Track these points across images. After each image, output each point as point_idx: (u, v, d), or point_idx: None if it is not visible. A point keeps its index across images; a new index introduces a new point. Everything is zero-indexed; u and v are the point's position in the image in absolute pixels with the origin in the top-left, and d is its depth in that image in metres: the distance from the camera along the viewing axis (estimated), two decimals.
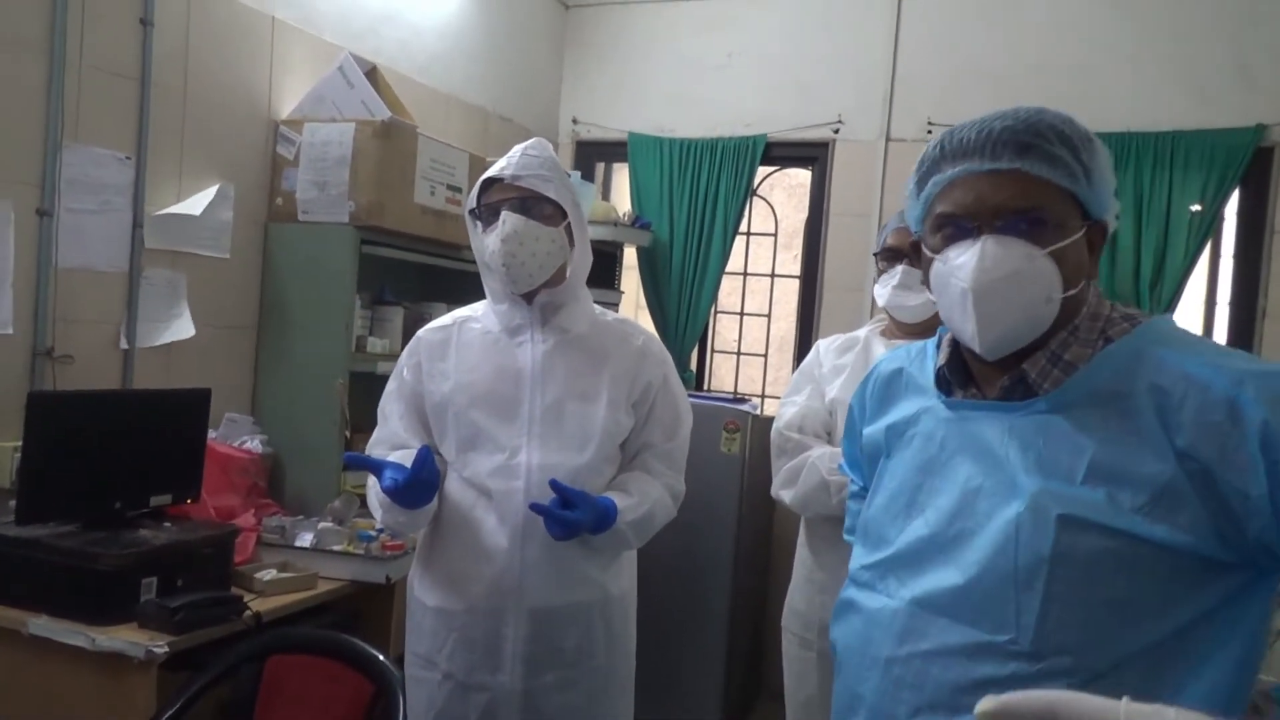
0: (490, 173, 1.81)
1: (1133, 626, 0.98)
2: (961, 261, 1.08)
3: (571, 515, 1.63)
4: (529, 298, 1.81)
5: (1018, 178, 1.06)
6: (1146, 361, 1.04)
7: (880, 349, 2.14)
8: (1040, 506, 1.01)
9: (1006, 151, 1.07)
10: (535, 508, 1.64)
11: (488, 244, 1.77)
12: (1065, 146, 1.07)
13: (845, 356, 2.19)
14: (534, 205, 1.76)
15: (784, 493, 2.09)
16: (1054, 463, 1.03)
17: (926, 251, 1.16)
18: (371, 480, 1.77)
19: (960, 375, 1.17)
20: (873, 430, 1.28)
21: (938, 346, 1.23)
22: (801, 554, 2.21)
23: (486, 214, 1.79)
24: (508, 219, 1.74)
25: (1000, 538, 1.02)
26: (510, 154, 1.82)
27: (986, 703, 0.70)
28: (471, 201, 1.84)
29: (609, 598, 1.82)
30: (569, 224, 1.80)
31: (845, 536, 1.38)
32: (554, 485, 1.65)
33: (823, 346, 2.27)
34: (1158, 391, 1.01)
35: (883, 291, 2.13)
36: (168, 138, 2.67)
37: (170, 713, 1.86)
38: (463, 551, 1.76)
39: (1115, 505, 0.98)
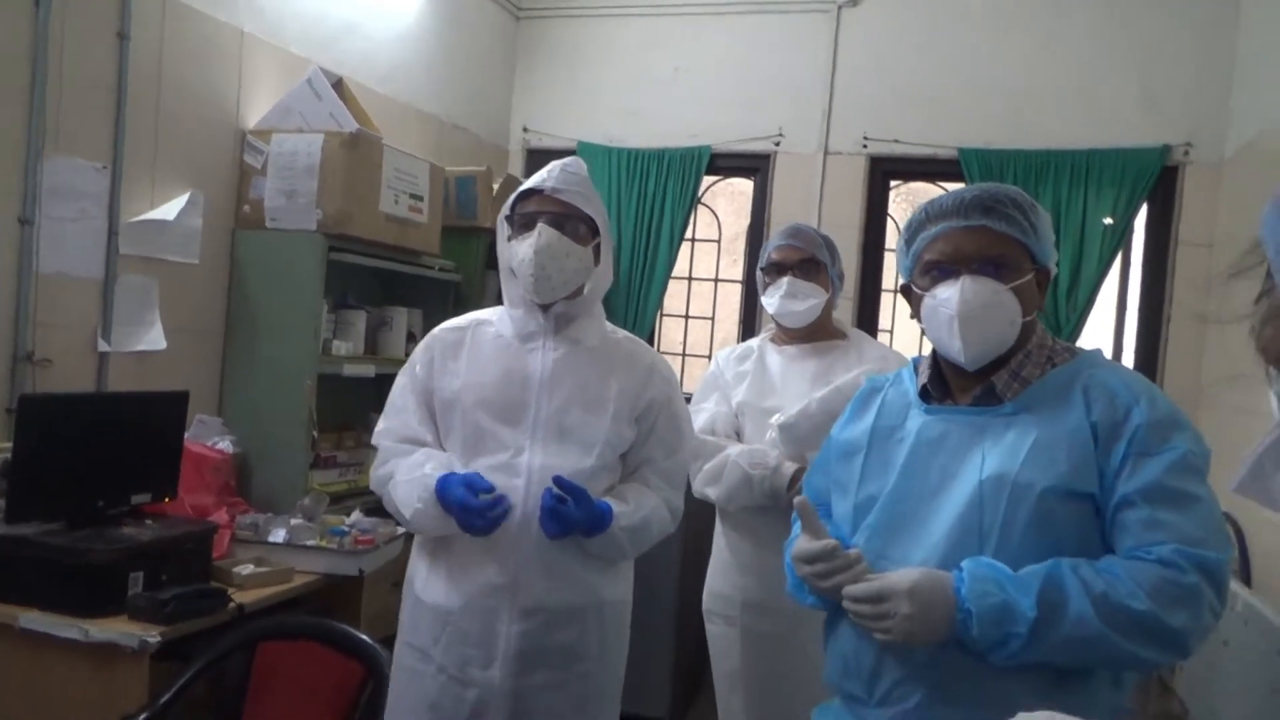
0: (530, 183, 1.86)
1: (1051, 553, 1.32)
2: (947, 296, 1.42)
3: (566, 510, 1.69)
4: (545, 307, 1.86)
5: (985, 232, 1.42)
6: (1081, 375, 1.42)
7: (772, 355, 2.38)
8: (1002, 476, 1.35)
9: (975, 212, 1.43)
10: (547, 498, 1.72)
11: (518, 252, 1.82)
12: (1018, 210, 1.43)
13: (745, 364, 2.39)
14: (568, 222, 1.82)
15: (709, 490, 2.27)
16: (1009, 448, 1.38)
17: (917, 291, 1.50)
18: (405, 478, 1.81)
19: (940, 389, 1.51)
20: (852, 430, 1.57)
21: (915, 371, 1.56)
22: (719, 542, 2.40)
23: (521, 222, 1.85)
24: (543, 232, 1.79)
25: (974, 495, 1.37)
26: (550, 168, 1.87)
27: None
28: (506, 209, 1.90)
29: (603, 603, 1.86)
30: (598, 243, 1.88)
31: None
32: (557, 480, 1.72)
33: (722, 357, 2.48)
34: (1087, 389, 1.40)
35: (772, 301, 2.33)
36: (142, 147, 2.76)
37: (166, 698, 1.97)
38: (462, 548, 1.81)
39: (1050, 471, 1.34)
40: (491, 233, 3.06)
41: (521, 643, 1.78)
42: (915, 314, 1.52)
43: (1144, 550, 1.29)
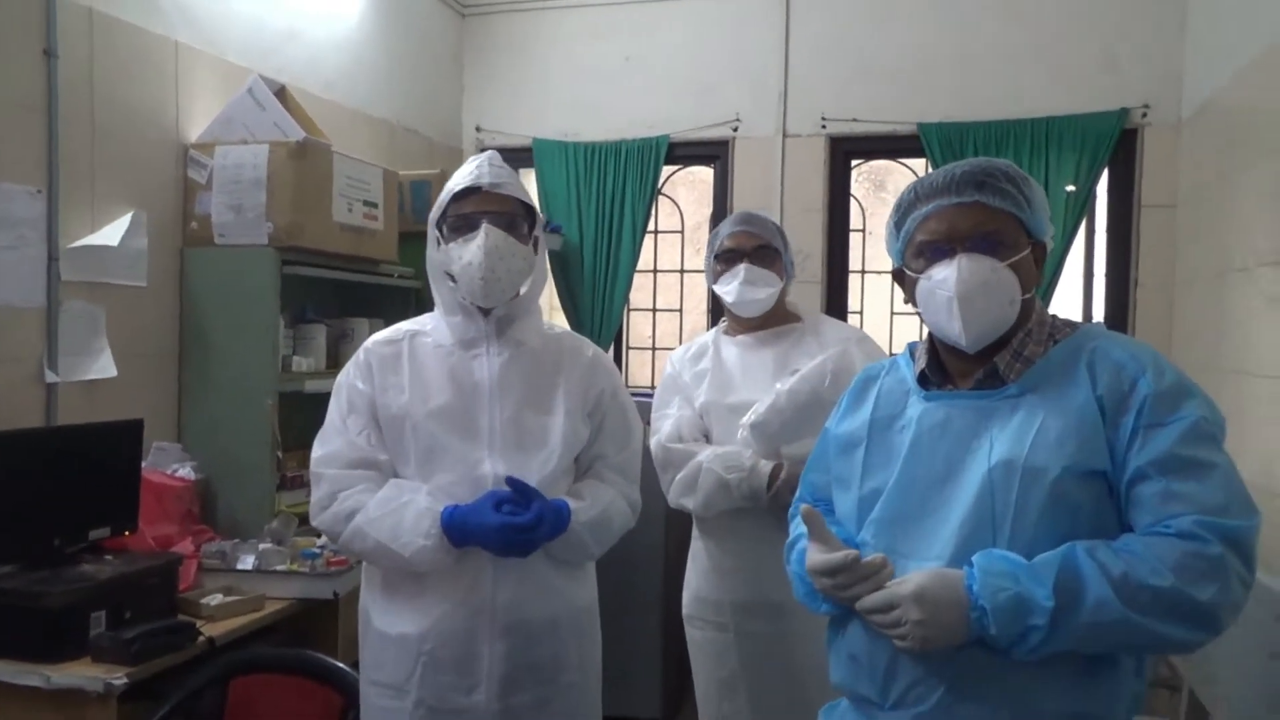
0: (466, 182, 1.77)
1: (1067, 537, 1.27)
2: (944, 276, 1.36)
3: (526, 521, 1.64)
4: (485, 310, 1.80)
5: (979, 208, 1.37)
6: (1085, 350, 1.36)
7: (728, 347, 2.30)
8: (1011, 461, 1.29)
9: (968, 188, 1.37)
10: (479, 515, 1.66)
11: (460, 255, 1.74)
12: (1011, 183, 1.37)
13: (701, 362, 2.32)
14: (511, 220, 1.76)
15: (685, 500, 2.19)
16: (1017, 432, 1.32)
17: (910, 274, 1.43)
18: (383, 512, 1.70)
19: (938, 374, 1.44)
20: (850, 423, 1.51)
21: (911, 357, 1.50)
22: (697, 547, 2.31)
23: (458, 224, 1.76)
24: (490, 232, 1.72)
25: (985, 482, 1.31)
26: (477, 164, 1.80)
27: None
28: (437, 212, 1.81)
29: (578, 609, 1.83)
30: (535, 238, 1.82)
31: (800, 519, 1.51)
32: (509, 480, 1.66)
33: (676, 358, 2.40)
34: (1091, 363, 1.34)
35: (728, 289, 2.25)
36: (78, 168, 2.64)
37: None
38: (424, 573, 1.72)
39: (1061, 452, 1.28)
40: None
41: (505, 664, 1.71)
42: (910, 298, 1.46)
43: (1163, 525, 1.23)
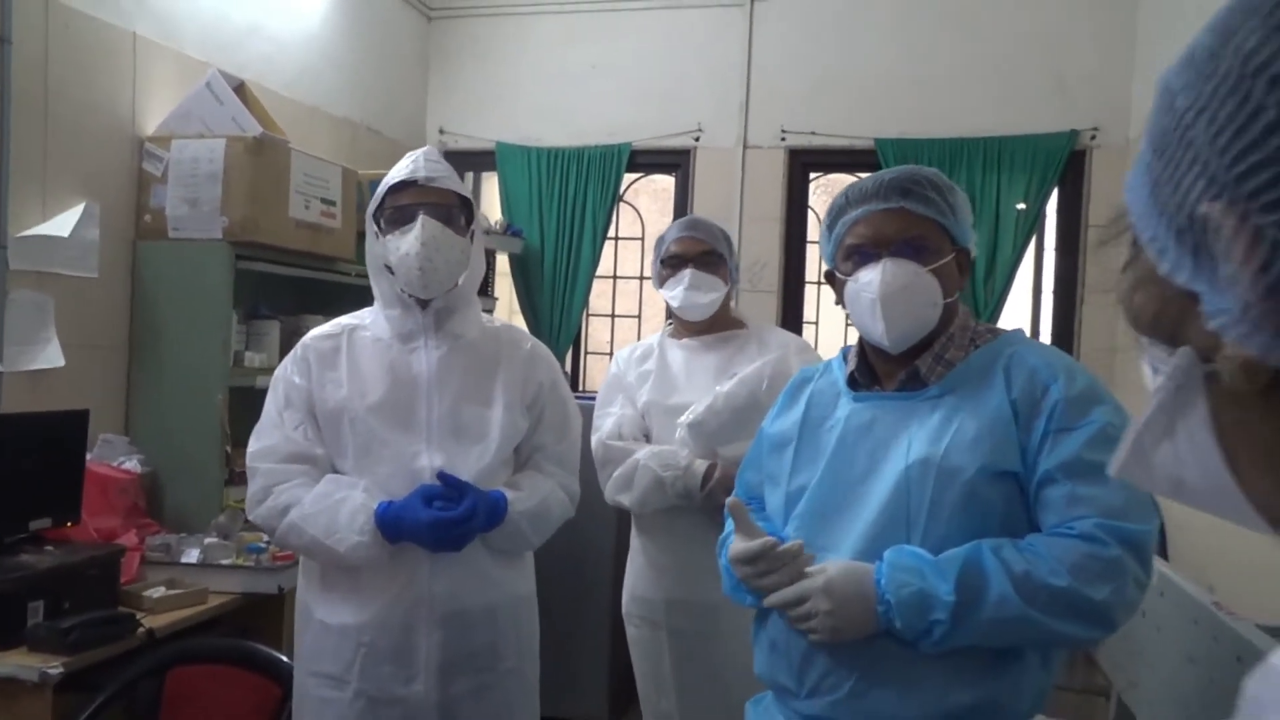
0: (402, 176, 1.79)
1: (978, 534, 1.32)
2: (869, 279, 1.41)
3: (457, 516, 1.67)
4: (424, 303, 1.82)
5: (904, 214, 1.41)
6: (1003, 355, 1.42)
7: (674, 350, 2.35)
8: (927, 460, 1.34)
9: (894, 194, 1.41)
10: (413, 508, 1.69)
11: (398, 246, 1.76)
12: (936, 191, 1.42)
13: (646, 363, 2.36)
14: (448, 212, 1.79)
15: (621, 497, 2.23)
16: (935, 431, 1.37)
17: (840, 276, 1.48)
18: (318, 508, 1.71)
19: (867, 377, 1.50)
20: (783, 423, 1.56)
21: (844, 360, 1.55)
22: (635, 545, 2.36)
23: (395, 217, 1.78)
24: (427, 224, 1.74)
25: (901, 479, 1.36)
26: (413, 159, 1.82)
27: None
28: (374, 205, 1.83)
29: (517, 598, 1.86)
30: (472, 230, 1.85)
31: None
32: (441, 475, 1.70)
33: (622, 358, 2.44)
34: (1008, 368, 1.40)
35: (674, 294, 2.29)
36: (29, 157, 2.63)
37: None
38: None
39: (975, 452, 1.33)
40: None
41: (443, 652, 1.73)
42: (839, 299, 1.51)
43: (1066, 526, 1.28)
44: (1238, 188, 0.41)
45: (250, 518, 1.82)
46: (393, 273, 1.80)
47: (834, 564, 1.33)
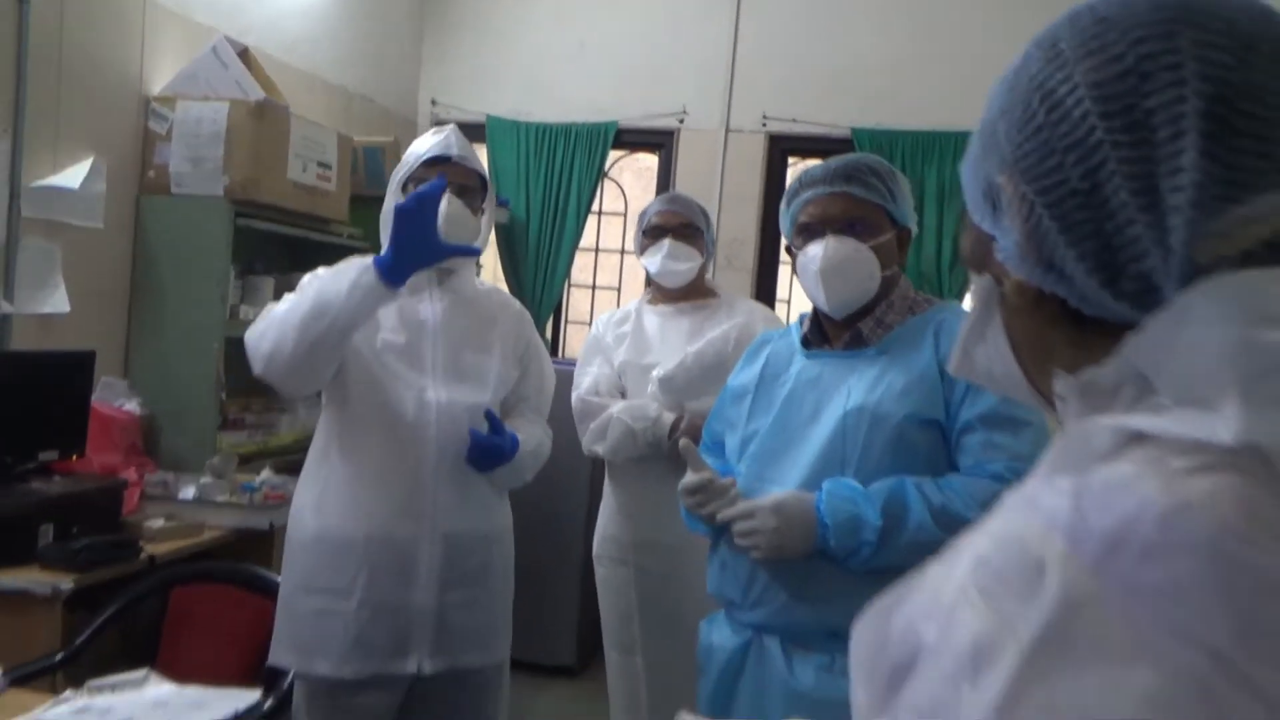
0: (437, 151, 1.96)
1: (904, 472, 1.51)
2: (814, 253, 1.61)
3: (498, 441, 1.89)
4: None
5: (846, 197, 1.61)
6: (935, 321, 1.61)
7: (650, 316, 2.55)
8: (863, 407, 1.54)
9: (839, 180, 1.61)
10: (475, 435, 1.88)
11: None
12: (876, 177, 1.61)
13: (624, 327, 2.57)
14: (467, 193, 1.97)
15: (596, 447, 2.45)
16: (874, 381, 1.56)
17: (794, 250, 1.68)
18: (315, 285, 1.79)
19: (818, 337, 1.69)
20: (743, 377, 1.75)
21: (800, 324, 1.74)
22: (608, 490, 2.58)
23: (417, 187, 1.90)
24: (452, 201, 1.90)
25: (839, 424, 1.55)
26: (444, 135, 1.99)
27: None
28: (406, 172, 1.98)
29: (502, 529, 2.05)
30: (484, 210, 2.03)
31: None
32: (489, 416, 1.90)
33: (602, 322, 2.66)
34: (938, 332, 1.59)
35: (653, 261, 2.49)
36: (43, 112, 2.77)
37: (81, 639, 2.05)
38: (372, 482, 1.90)
39: (904, 402, 1.53)
40: None
41: (443, 566, 1.91)
42: (794, 270, 1.70)
43: (980, 467, 1.49)
44: (1015, 166, 0.59)
45: (247, 338, 1.87)
46: None
47: (782, 491, 1.52)
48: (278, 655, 1.92)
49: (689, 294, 2.53)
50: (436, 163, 1.96)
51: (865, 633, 0.56)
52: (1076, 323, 0.59)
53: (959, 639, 0.48)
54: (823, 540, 1.47)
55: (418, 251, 1.77)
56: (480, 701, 2.02)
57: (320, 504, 1.93)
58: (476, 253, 1.97)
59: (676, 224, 2.48)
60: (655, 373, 2.36)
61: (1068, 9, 0.62)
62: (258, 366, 1.85)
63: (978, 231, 0.65)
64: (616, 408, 2.38)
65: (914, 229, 1.69)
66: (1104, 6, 0.59)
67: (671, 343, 2.45)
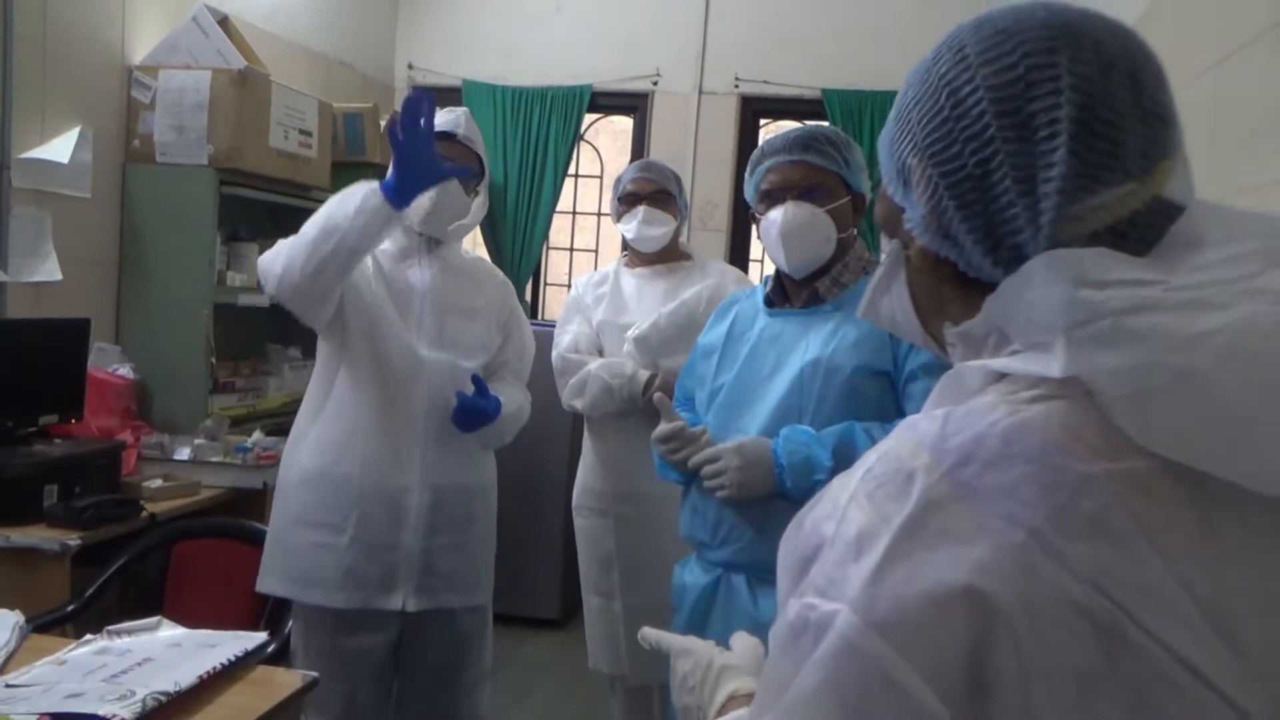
0: (444, 127, 2.04)
1: (862, 418, 1.64)
2: (774, 217, 1.73)
3: (483, 403, 2.02)
4: (414, 232, 2.11)
5: (804, 165, 1.73)
6: None
7: (627, 278, 2.66)
8: (819, 360, 1.66)
9: (797, 149, 1.73)
10: (461, 397, 2.00)
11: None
12: (832, 146, 1.73)
13: (602, 288, 2.68)
14: (468, 172, 2.07)
15: (575, 402, 2.56)
16: (829, 336, 1.67)
17: (757, 215, 1.78)
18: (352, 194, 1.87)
19: (780, 297, 1.80)
20: (711, 335, 1.87)
21: (765, 285, 1.85)
22: (588, 445, 2.71)
23: None
24: (450, 182, 2.00)
25: (797, 376, 1.67)
26: (455, 115, 2.10)
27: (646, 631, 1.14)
28: None
29: (489, 482, 2.20)
30: (477, 190, 2.15)
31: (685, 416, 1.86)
32: (475, 380, 2.03)
33: (581, 283, 2.77)
34: None
35: (629, 227, 2.60)
36: (30, 84, 2.83)
37: (90, 592, 2.16)
38: (368, 432, 2.02)
39: (855, 354, 1.64)
40: (382, 168, 3.22)
41: (430, 513, 2.05)
42: (758, 234, 1.82)
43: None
44: (924, 149, 0.71)
45: (260, 263, 2.00)
46: None
47: (744, 437, 1.66)
48: (268, 584, 2.05)
49: (663, 257, 2.64)
50: (442, 138, 2.04)
51: (786, 539, 0.69)
52: (964, 283, 0.71)
53: (847, 530, 0.61)
54: (780, 481, 1.60)
55: (418, 170, 1.85)
56: (466, 646, 2.16)
57: (319, 445, 2.04)
58: (466, 174, 2.03)
59: (650, 191, 2.58)
60: (630, 333, 2.48)
61: (974, 17, 0.73)
62: (270, 286, 1.96)
63: (890, 203, 0.77)
64: (594, 365, 2.50)
65: (868, 195, 1.81)
66: (1003, 19, 0.70)
67: (647, 303, 2.57)
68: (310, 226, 1.91)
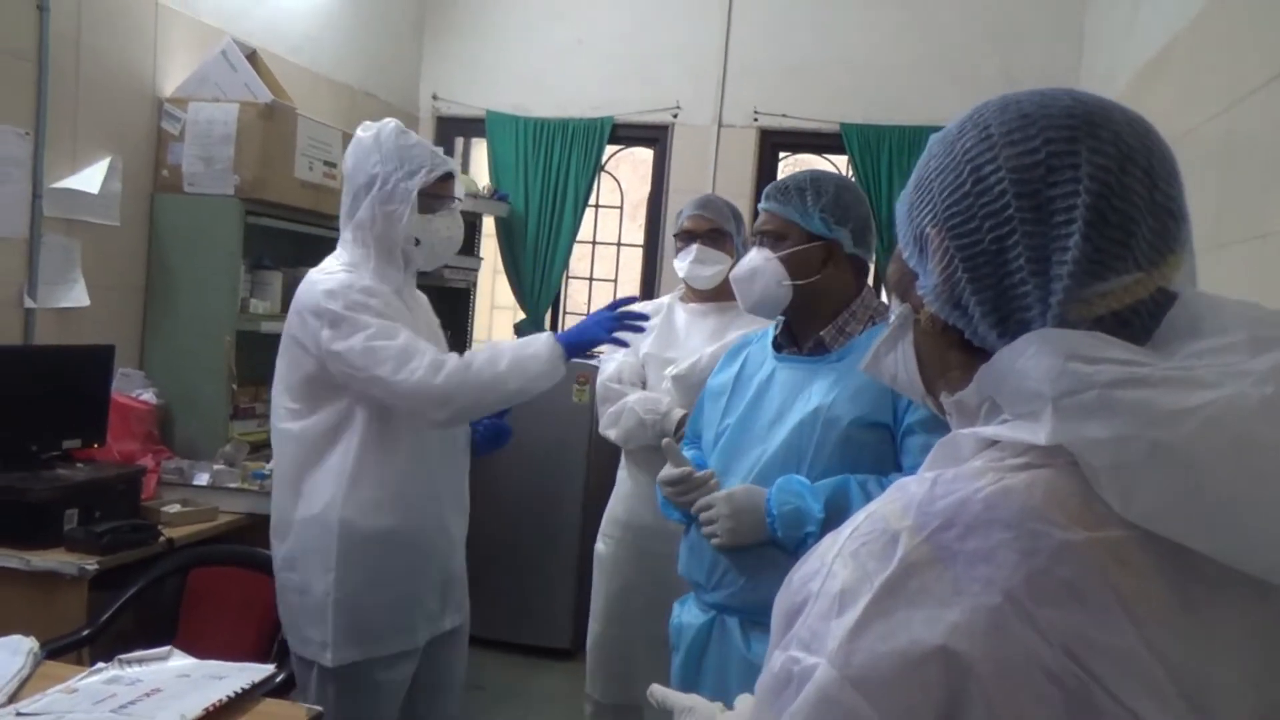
0: (450, 168, 2.16)
1: (853, 471, 1.65)
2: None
3: (499, 423, 2.22)
4: (406, 264, 2.16)
5: (769, 213, 1.81)
6: None
7: (680, 312, 2.70)
8: (819, 409, 1.67)
9: (769, 197, 1.81)
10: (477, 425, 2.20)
11: (441, 229, 2.14)
12: (797, 194, 1.77)
13: (654, 319, 2.68)
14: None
15: (610, 431, 2.62)
16: (831, 385, 1.69)
17: None
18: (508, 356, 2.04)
19: (788, 341, 1.83)
20: (721, 376, 1.90)
21: (775, 329, 1.87)
22: (622, 474, 2.73)
23: (438, 205, 2.14)
24: (458, 221, 2.21)
25: (798, 424, 1.69)
26: (440, 153, 2.17)
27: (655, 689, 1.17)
28: (420, 182, 2.07)
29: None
30: None
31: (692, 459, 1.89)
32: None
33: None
34: None
35: (682, 265, 2.63)
36: (62, 114, 2.90)
37: (106, 616, 2.20)
38: (410, 475, 2.06)
39: (855, 406, 1.65)
40: None
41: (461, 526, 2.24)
42: None
43: (919, 467, 1.63)
44: (944, 220, 0.72)
45: (421, 384, 1.96)
46: (418, 243, 2.12)
47: (738, 486, 1.68)
48: (344, 655, 1.99)
49: (718, 295, 2.64)
50: (448, 179, 2.16)
51: (779, 594, 0.71)
52: (969, 351, 0.73)
53: (831, 586, 0.64)
54: (771, 530, 1.62)
55: (597, 341, 2.15)
56: (459, 658, 2.28)
57: (375, 504, 2.02)
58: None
59: (705, 229, 2.60)
60: (668, 370, 2.51)
61: (999, 97, 0.75)
62: (440, 415, 2.01)
63: (904, 267, 0.78)
64: (633, 398, 2.55)
65: (841, 240, 1.77)
66: (1028, 102, 0.72)
67: (695, 340, 2.59)
68: (504, 381, 2.02)
